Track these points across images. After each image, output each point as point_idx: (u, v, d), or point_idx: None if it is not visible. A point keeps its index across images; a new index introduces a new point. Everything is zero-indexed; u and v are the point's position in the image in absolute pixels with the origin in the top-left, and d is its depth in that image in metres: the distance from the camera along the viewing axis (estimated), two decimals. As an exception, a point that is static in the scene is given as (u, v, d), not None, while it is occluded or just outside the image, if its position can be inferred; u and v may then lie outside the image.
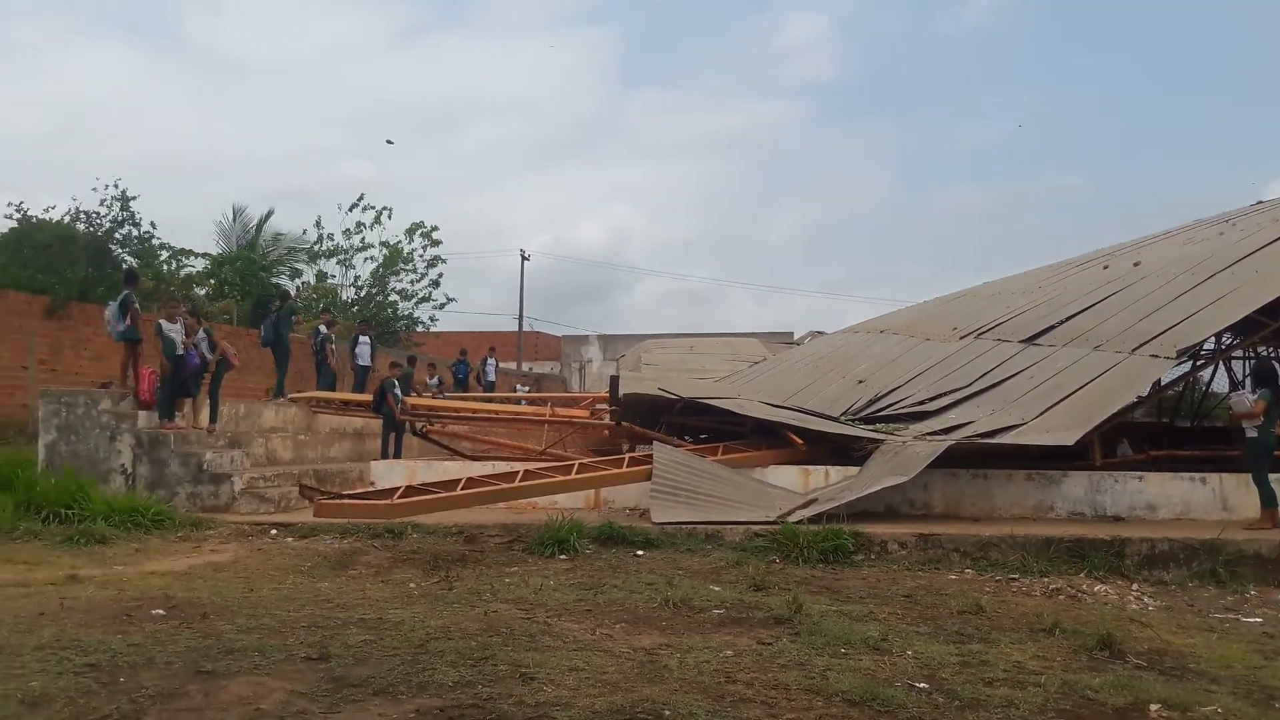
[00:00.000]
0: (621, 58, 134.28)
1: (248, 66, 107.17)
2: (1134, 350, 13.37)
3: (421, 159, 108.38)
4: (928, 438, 12.76)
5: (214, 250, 33.83)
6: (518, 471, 12.58)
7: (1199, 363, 17.33)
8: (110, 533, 10.70)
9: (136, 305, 14.06)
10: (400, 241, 38.20)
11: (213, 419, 14.24)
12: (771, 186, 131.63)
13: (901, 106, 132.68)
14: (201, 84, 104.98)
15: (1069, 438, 11.92)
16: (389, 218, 38.21)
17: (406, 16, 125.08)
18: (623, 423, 16.22)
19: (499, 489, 11.91)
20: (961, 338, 17.21)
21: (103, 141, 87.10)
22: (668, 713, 4.89)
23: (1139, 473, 12.63)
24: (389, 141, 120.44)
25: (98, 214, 26.05)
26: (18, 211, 25.32)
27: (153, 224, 27.53)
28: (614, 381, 16.96)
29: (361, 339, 20.56)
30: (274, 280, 32.53)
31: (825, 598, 8.21)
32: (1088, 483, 12.39)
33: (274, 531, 11.28)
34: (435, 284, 38.81)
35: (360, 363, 20.20)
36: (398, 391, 17.17)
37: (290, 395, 18.33)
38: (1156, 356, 12.81)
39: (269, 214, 35.35)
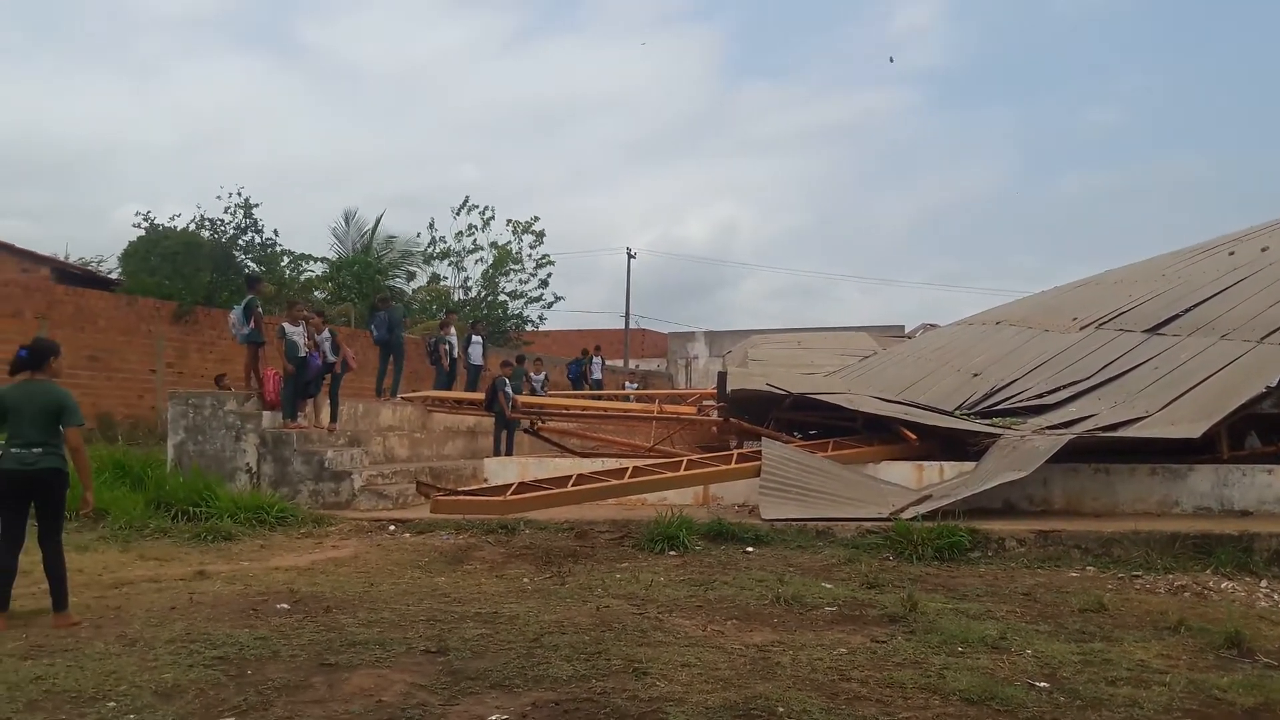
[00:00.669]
0: (729, 53, 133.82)
1: (362, 74, 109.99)
2: (1263, 339, 12.84)
3: (530, 161, 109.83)
4: (1047, 432, 12.45)
5: (330, 255, 34.90)
6: (627, 468, 12.67)
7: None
8: (236, 529, 11.12)
9: (260, 309, 14.58)
10: (509, 242, 38.77)
11: (333, 418, 14.68)
12: (881, 177, 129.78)
13: (1016, 92, 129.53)
14: (317, 92, 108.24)
15: (1195, 430, 11.51)
16: (492, 219, 38.85)
17: (519, 21, 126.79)
18: (730, 419, 16.18)
19: (609, 485, 12.02)
20: (1082, 328, 16.74)
21: (225, 151, 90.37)
22: (781, 709, 4.89)
23: (1268, 465, 12.09)
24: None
25: (222, 221, 27.13)
26: (145, 221, 26.48)
27: (274, 230, 28.52)
28: (721, 378, 16.92)
29: (474, 339, 20.95)
30: (388, 283, 33.35)
31: (941, 595, 8.09)
32: (1214, 476, 11.93)
33: (392, 527, 11.58)
34: (544, 283, 39.31)
35: (473, 362, 20.57)
36: (509, 390, 17.43)
37: (404, 395, 18.76)
38: (1289, 345, 12.27)
39: (381, 217, 36.30)
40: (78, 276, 24.63)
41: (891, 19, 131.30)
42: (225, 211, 27.31)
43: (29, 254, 24.28)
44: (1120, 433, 12.04)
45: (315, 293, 31.30)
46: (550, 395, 21.81)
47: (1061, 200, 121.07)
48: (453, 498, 11.70)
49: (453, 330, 20.42)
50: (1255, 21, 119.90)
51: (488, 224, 38.43)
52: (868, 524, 10.84)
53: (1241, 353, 12.79)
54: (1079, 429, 12.32)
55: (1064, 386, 14.32)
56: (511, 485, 11.97)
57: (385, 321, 18.61)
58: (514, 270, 38.87)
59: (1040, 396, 14.36)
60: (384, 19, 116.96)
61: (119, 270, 27.74)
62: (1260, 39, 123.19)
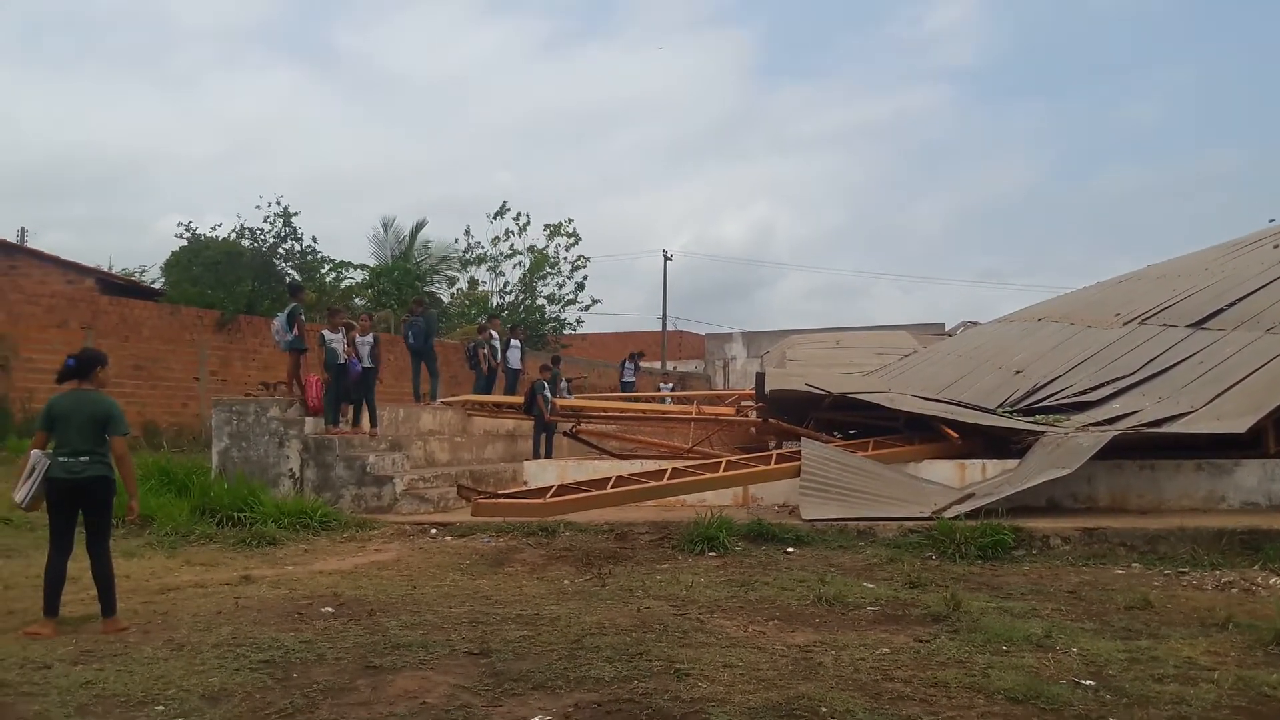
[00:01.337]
0: (763, 54, 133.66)
1: (398, 82, 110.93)
2: (1311, 331, 12.65)
3: (566, 165, 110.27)
4: (1091, 429, 12.32)
5: (369, 262, 35.17)
6: (666, 470, 12.68)
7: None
8: (280, 534, 11.24)
9: (303, 317, 14.74)
10: (546, 247, 38.86)
11: (372, 423, 14.77)
12: (919, 175, 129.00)
13: (1055, 87, 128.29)
14: (354, 101, 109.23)
15: (1241, 425, 11.34)
16: (528, 222, 38.95)
17: (552, 26, 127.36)
18: (769, 419, 16.14)
19: (648, 487, 12.03)
20: (1125, 324, 16.52)
21: (264, 161, 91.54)
22: (824, 710, 4.88)
23: (1317, 460, 11.90)
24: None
25: (262, 230, 27.41)
26: (187, 231, 26.82)
27: (314, 238, 28.78)
28: (759, 378, 16.89)
29: (513, 343, 21.05)
30: (427, 289, 33.55)
31: (984, 594, 8.02)
32: (1261, 471, 11.75)
33: (434, 531, 11.66)
34: (580, 286, 39.34)
35: (511, 366, 20.67)
36: (548, 393, 17.50)
37: (444, 399, 18.89)
38: (1338, 337, 12.07)
39: (420, 224, 36.51)
40: (121, 287, 25.03)
41: (925, 17, 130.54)
42: (265, 221, 27.61)
43: (74, 265, 24.67)
44: (1165, 429, 11.89)
45: (355, 299, 31.56)
46: (587, 398, 21.86)
47: (1102, 196, 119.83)
48: (493, 500, 11.77)
49: (495, 334, 20.54)
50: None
51: (524, 229, 38.55)
52: (910, 523, 10.78)
53: (1289, 346, 12.59)
54: (1123, 425, 12.18)
55: (1107, 383, 14.15)
56: (551, 488, 12.03)
57: (420, 329, 18.74)
58: (550, 274, 38.93)
59: (1083, 393, 14.20)
60: (419, 26, 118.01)
61: (162, 280, 28.14)
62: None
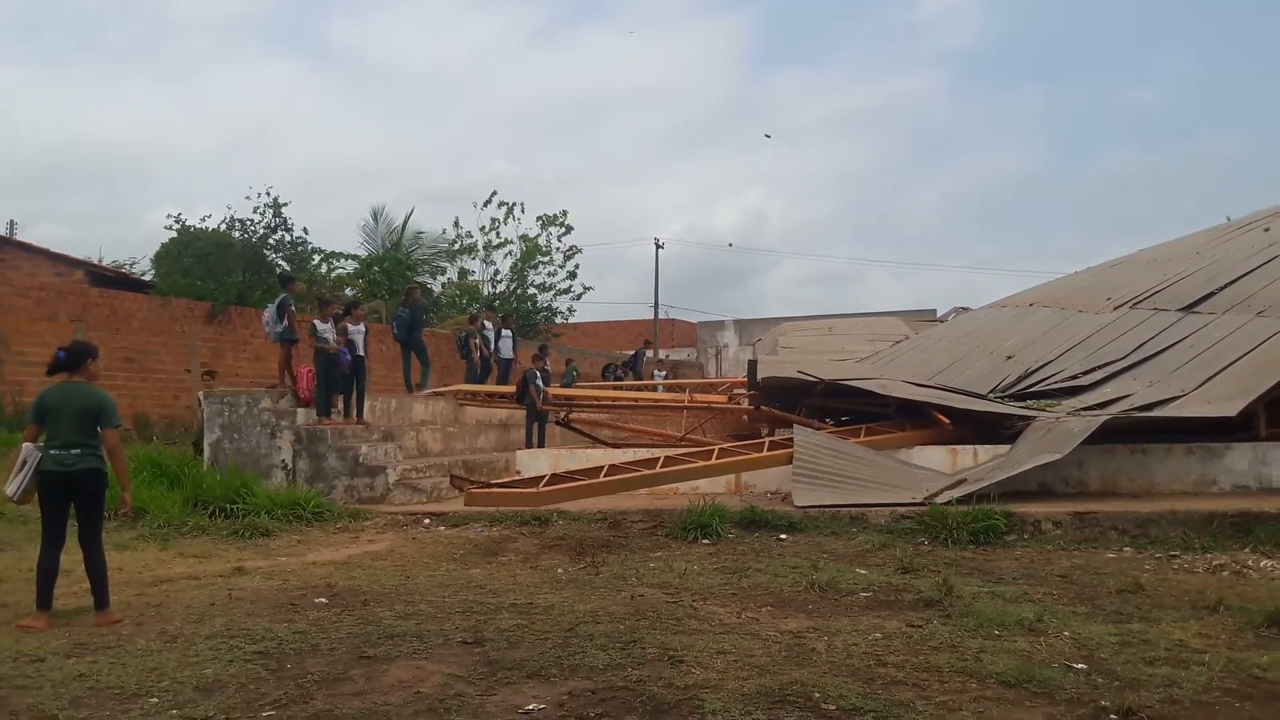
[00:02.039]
0: (758, 41, 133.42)
1: (392, 72, 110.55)
2: (1301, 315, 12.71)
3: (560, 154, 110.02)
4: (1082, 413, 12.36)
5: (360, 252, 35.08)
6: (659, 458, 12.69)
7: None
8: (273, 525, 11.24)
9: (293, 308, 14.70)
10: (538, 235, 38.82)
11: (359, 413, 14.68)
12: (913, 162, 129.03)
13: (1049, 72, 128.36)
14: (348, 91, 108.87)
15: (1232, 408, 11.40)
16: (522, 212, 38.89)
17: (546, 15, 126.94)
18: (761, 407, 16.17)
19: (641, 475, 12.04)
20: (1116, 308, 16.57)
21: (258, 153, 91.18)
22: (818, 695, 4.90)
23: (1308, 443, 11.96)
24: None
25: (252, 221, 27.27)
26: (177, 223, 26.72)
27: (304, 229, 28.68)
28: (752, 366, 16.91)
29: (504, 333, 21.03)
30: (418, 279, 33.49)
31: (977, 579, 8.06)
32: (1252, 454, 11.81)
33: (427, 521, 11.66)
34: (572, 275, 39.29)
35: (503, 356, 20.65)
36: (540, 383, 17.49)
37: (435, 389, 18.86)
38: (1327, 320, 12.11)
39: (410, 214, 36.42)
40: (111, 279, 24.92)
41: (922, 1, 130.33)
42: (255, 211, 27.48)
43: (63, 258, 24.59)
44: (1156, 412, 11.94)
45: (346, 290, 31.48)
46: (580, 386, 21.86)
47: (1097, 180, 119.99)
48: (486, 490, 11.76)
49: (488, 324, 20.53)
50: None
51: (510, 214, 38.46)
52: (902, 509, 10.81)
53: (1278, 329, 12.64)
54: (1114, 409, 12.22)
55: (1098, 367, 14.20)
56: (544, 477, 12.03)
57: (404, 321, 18.66)
58: (542, 263, 38.89)
59: (1075, 378, 14.25)
60: (414, 16, 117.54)
61: (152, 272, 28.04)
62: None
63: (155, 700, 5.00)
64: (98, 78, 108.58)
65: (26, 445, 6.85)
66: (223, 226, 27.15)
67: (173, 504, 11.74)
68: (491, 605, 7.23)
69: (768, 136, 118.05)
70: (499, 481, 12.95)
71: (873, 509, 10.91)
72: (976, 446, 12.93)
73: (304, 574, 8.69)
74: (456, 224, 39.08)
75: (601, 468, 12.25)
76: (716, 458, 12.66)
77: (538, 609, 7.06)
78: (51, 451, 6.78)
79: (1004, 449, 12.47)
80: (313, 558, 9.64)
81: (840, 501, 11.20)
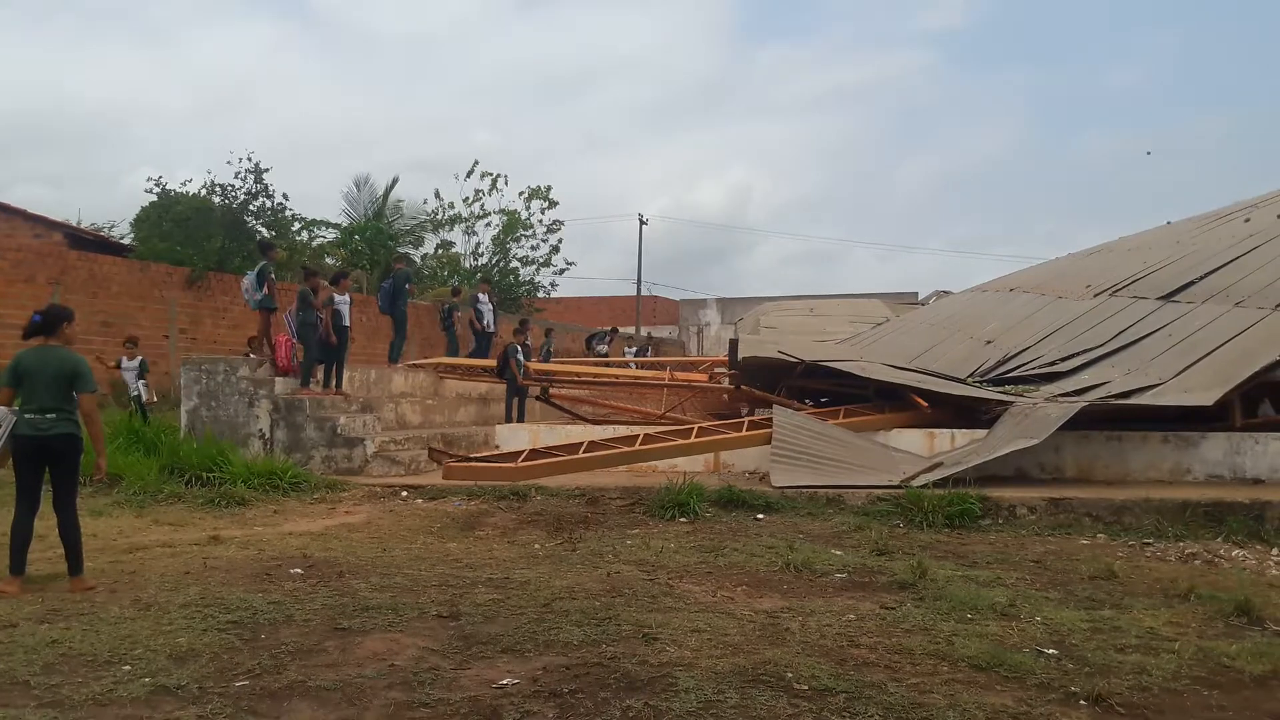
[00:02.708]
0: (746, 14, 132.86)
1: (375, 38, 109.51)
2: (1277, 306, 12.80)
3: (544, 126, 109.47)
4: (1059, 399, 12.43)
5: (342, 221, 34.83)
6: (638, 435, 12.70)
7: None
8: (250, 495, 11.20)
9: (273, 275, 14.60)
10: (522, 210, 38.69)
11: (338, 384, 14.61)
12: (898, 141, 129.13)
13: (1035, 52, 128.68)
14: (330, 57, 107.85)
15: (1208, 398, 11.50)
16: (505, 184, 38.73)
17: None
18: (742, 386, 16.19)
19: (620, 452, 12.05)
20: (1096, 295, 16.66)
21: (238, 117, 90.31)
22: (790, 675, 4.93)
23: (1282, 434, 12.08)
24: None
25: (233, 187, 27.00)
26: (157, 186, 26.42)
27: (285, 195, 28.41)
28: (733, 345, 16.92)
29: (481, 299, 20.80)
30: (400, 249, 33.32)
31: (951, 563, 8.11)
32: (1227, 444, 11.91)
33: (404, 493, 11.65)
34: (555, 249, 39.21)
35: (483, 324, 20.45)
36: (520, 357, 17.46)
37: (414, 361, 18.80)
38: (1304, 313, 12.21)
39: (394, 183, 36.13)
40: (90, 242, 24.65)
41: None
42: (236, 177, 27.20)
43: (41, 219, 24.27)
44: (1133, 400, 12.02)
45: (327, 258, 31.27)
46: (560, 362, 21.84)
47: (1080, 163, 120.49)
48: (465, 464, 11.75)
49: (483, 298, 20.48)
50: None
51: (494, 186, 38.31)
52: (879, 491, 10.86)
53: (1255, 320, 12.75)
54: (1091, 396, 12.30)
55: (1077, 354, 14.28)
56: (523, 452, 12.02)
57: (386, 292, 18.59)
58: (525, 236, 38.78)
59: (1053, 364, 14.33)
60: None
61: (131, 236, 27.75)
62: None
63: (128, 668, 4.99)
64: (77, 36, 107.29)
65: (1, 409, 6.79)
66: (203, 191, 26.87)
67: (149, 471, 11.68)
68: (468, 579, 7.24)
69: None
70: (478, 455, 12.95)
71: (850, 491, 10.96)
72: (954, 430, 12.99)
73: (280, 544, 8.67)
74: (438, 195, 38.86)
75: (581, 444, 12.26)
76: (696, 436, 12.69)
77: (514, 584, 7.08)
78: (26, 416, 6.73)
79: (981, 433, 12.53)
80: (289, 528, 9.62)
81: (818, 483, 11.24)
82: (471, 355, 20.03)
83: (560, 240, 39.26)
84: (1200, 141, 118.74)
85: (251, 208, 27.31)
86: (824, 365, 15.30)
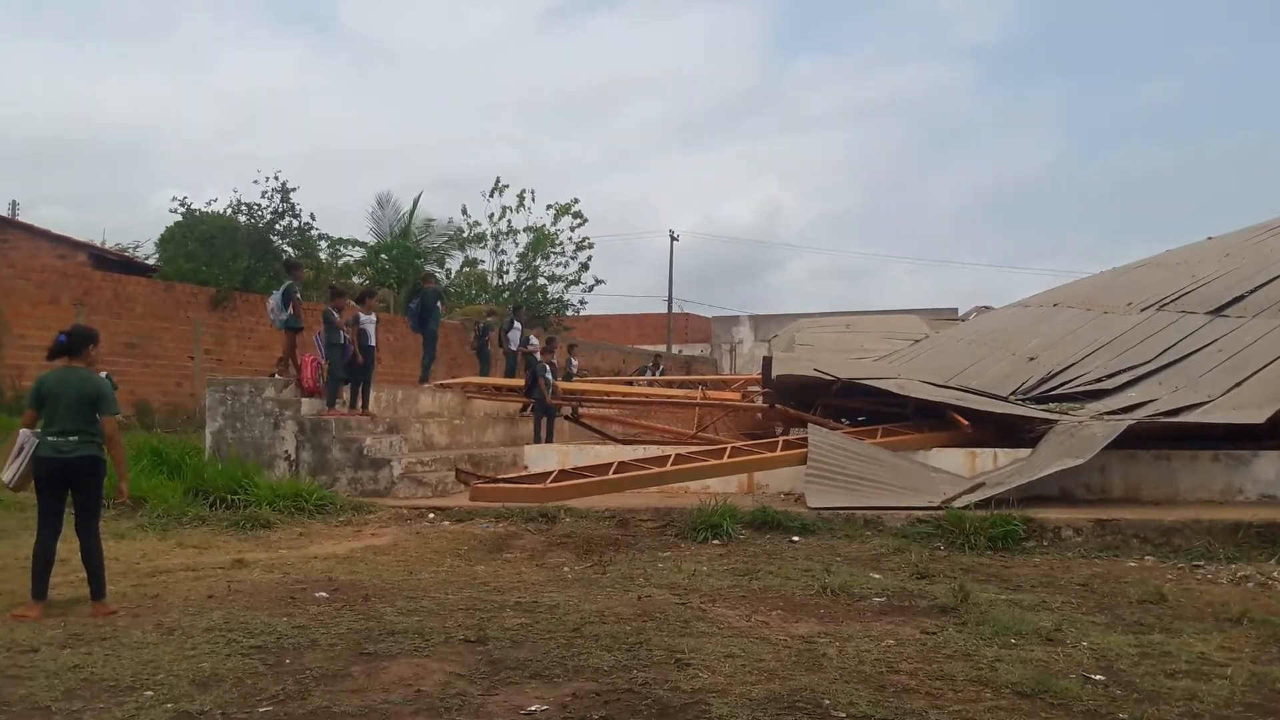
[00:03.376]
0: (778, 28, 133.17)
1: (400, 56, 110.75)
2: (1335, 320, 12.63)
3: (570, 142, 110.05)
4: (1105, 417, 12.30)
5: (368, 239, 35.09)
6: (669, 455, 12.69)
7: None
8: (274, 517, 11.25)
9: (299, 295, 14.73)
10: (545, 225, 38.78)
11: (365, 404, 14.69)
12: (933, 155, 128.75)
13: (1073, 66, 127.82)
14: (356, 75, 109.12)
15: (1259, 415, 11.35)
16: (532, 200, 38.87)
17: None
18: (776, 405, 16.15)
19: (651, 473, 12.04)
20: (1142, 310, 16.48)
21: (264, 136, 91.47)
22: (827, 702, 4.88)
23: (1339, 452, 11.88)
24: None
25: (258, 206, 27.26)
26: (183, 206, 26.74)
27: (311, 215, 28.65)
28: (766, 363, 16.88)
29: (514, 324, 21.12)
30: (427, 268, 33.53)
31: (994, 586, 8.03)
32: (1280, 463, 11.74)
33: (431, 515, 11.68)
34: (584, 266, 39.25)
35: (513, 348, 20.70)
36: (549, 376, 17.50)
37: (442, 381, 18.90)
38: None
39: (418, 200, 36.43)
40: (114, 262, 24.99)
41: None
42: (262, 196, 27.46)
43: (65, 239, 24.64)
44: (1181, 418, 11.88)
45: (354, 277, 31.51)
46: (590, 381, 21.88)
47: (1121, 177, 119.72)
48: (492, 485, 11.79)
49: (516, 325, 20.85)
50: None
51: (521, 203, 38.49)
52: (918, 513, 10.78)
53: (1310, 334, 12.58)
54: (1138, 414, 12.17)
55: (1123, 370, 14.12)
56: (552, 473, 12.04)
57: (414, 312, 18.79)
58: (553, 253, 38.87)
59: (1098, 381, 14.18)
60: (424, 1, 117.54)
61: (156, 256, 28.08)
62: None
63: (150, 694, 5.01)
64: (104, 55, 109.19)
65: (24, 431, 6.87)
66: (229, 210, 27.17)
67: (172, 493, 11.76)
68: (495, 603, 7.24)
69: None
70: (506, 477, 12.97)
71: (888, 512, 10.88)
72: (996, 450, 12.87)
73: (305, 567, 8.71)
74: (464, 212, 39.00)
75: (611, 465, 12.26)
76: (729, 456, 12.65)
77: (542, 608, 7.07)
78: (49, 438, 6.80)
79: (1024, 453, 12.41)
80: (314, 551, 9.66)
81: (855, 504, 11.17)
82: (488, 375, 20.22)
83: (590, 258, 39.33)
84: (1238, 154, 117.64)
85: (278, 227, 27.56)
86: (861, 383, 15.23)
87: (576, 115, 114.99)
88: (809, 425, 14.16)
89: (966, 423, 13.70)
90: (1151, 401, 12.57)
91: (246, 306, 22.82)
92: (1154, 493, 11.92)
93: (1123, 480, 12.05)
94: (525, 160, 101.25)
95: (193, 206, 26.80)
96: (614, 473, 11.94)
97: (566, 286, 39.20)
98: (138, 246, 31.59)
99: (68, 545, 7.08)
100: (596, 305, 44.18)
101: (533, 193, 38.93)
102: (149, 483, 11.96)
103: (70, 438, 6.80)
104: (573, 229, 39.03)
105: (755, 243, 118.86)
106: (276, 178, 27.71)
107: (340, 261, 32.56)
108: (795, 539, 10.23)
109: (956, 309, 39.35)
